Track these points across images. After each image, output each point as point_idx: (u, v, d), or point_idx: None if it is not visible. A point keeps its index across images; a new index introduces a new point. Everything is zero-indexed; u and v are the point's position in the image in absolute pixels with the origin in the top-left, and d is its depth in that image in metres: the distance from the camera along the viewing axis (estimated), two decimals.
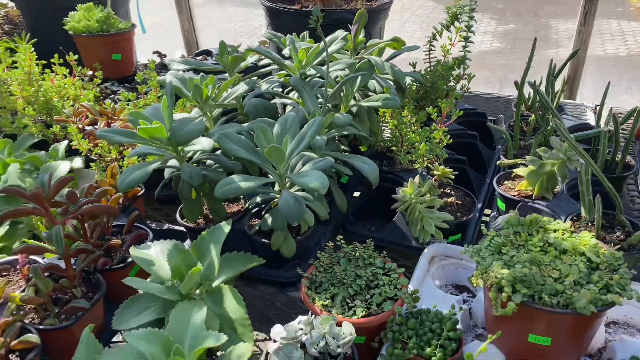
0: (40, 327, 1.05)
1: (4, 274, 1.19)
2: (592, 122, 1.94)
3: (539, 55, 1.84)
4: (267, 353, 0.98)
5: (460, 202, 1.44)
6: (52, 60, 1.89)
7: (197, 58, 2.50)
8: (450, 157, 1.61)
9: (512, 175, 1.51)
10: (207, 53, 2.60)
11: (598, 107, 1.64)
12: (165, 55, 2.49)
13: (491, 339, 0.93)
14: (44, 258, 1.24)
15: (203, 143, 1.21)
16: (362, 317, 1.07)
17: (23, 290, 1.11)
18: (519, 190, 1.45)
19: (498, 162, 1.60)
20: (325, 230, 1.44)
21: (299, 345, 0.95)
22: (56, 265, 1.13)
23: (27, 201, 1.09)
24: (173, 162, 1.31)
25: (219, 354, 1.03)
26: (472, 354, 0.91)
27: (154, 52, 2.49)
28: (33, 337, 1.00)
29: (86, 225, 1.21)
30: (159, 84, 1.73)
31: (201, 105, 1.39)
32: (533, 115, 1.75)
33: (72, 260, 1.17)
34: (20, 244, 1.35)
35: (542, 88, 1.82)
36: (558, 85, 1.87)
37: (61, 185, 1.11)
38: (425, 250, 1.34)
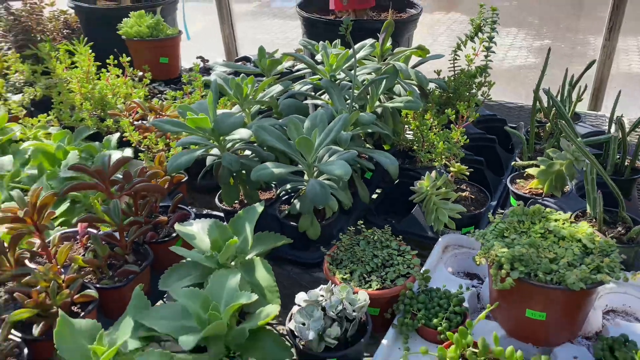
0: (97, 285, 1.22)
1: (66, 242, 1.37)
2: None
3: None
4: (292, 314, 1.12)
5: (474, 197, 1.56)
6: (107, 61, 2.09)
7: (237, 63, 2.68)
8: (468, 158, 1.72)
9: (525, 175, 1.61)
10: (246, 59, 2.79)
11: (616, 117, 1.73)
12: (207, 61, 2.69)
13: (489, 308, 1.04)
14: (99, 231, 1.41)
15: (242, 133, 1.37)
16: (377, 290, 1.20)
17: (83, 256, 1.28)
18: (530, 188, 1.56)
19: (513, 163, 1.71)
20: (348, 220, 1.58)
21: (319, 307, 1.09)
22: (111, 234, 1.30)
23: (90, 178, 1.26)
24: (215, 151, 1.47)
25: (249, 315, 1.17)
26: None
27: (197, 57, 2.68)
28: (92, 292, 1.17)
29: (138, 203, 1.38)
30: (203, 84, 1.91)
31: (241, 102, 1.55)
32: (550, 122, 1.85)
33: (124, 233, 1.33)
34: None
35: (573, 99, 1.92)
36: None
37: (119, 165, 1.28)
38: (440, 239, 1.46)
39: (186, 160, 1.34)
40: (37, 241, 1.28)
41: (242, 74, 1.60)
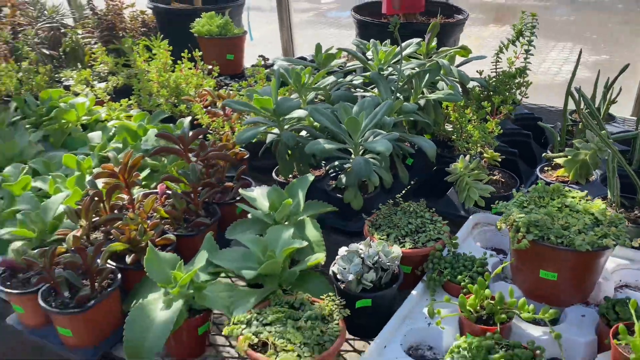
0: (175, 233, 1.46)
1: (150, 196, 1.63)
2: None
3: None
4: (334, 262, 1.32)
5: (504, 181, 1.72)
6: (182, 55, 2.37)
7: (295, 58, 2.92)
8: (503, 149, 1.88)
9: (553, 165, 1.76)
10: (303, 59, 3.02)
11: None
12: (268, 59, 2.94)
13: (505, 263, 1.21)
14: None
15: (299, 113, 1.59)
16: (409, 248, 1.38)
17: (165, 207, 1.53)
18: (557, 176, 1.70)
19: (543, 155, 1.85)
20: (387, 197, 1.76)
21: (359, 256, 1.28)
22: (187, 193, 1.55)
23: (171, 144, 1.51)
24: (275, 130, 1.70)
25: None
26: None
27: (259, 56, 2.94)
28: (171, 236, 1.41)
29: (209, 170, 1.62)
30: (265, 76, 2.15)
31: (298, 89, 1.77)
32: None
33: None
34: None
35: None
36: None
37: (196, 135, 1.53)
38: (470, 217, 1.62)
39: (252, 134, 1.57)
40: (125, 197, 1.54)
41: (301, 66, 1.82)
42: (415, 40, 1.95)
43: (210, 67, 2.49)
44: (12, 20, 3.20)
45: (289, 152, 1.70)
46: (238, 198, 1.63)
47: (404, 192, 1.80)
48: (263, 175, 2.14)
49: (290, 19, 3.65)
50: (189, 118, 2.18)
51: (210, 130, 2.04)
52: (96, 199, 1.42)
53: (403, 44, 1.93)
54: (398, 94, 1.76)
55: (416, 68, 1.86)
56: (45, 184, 1.70)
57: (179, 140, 1.48)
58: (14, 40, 2.96)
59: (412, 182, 1.79)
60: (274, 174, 1.81)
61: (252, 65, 2.87)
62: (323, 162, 1.85)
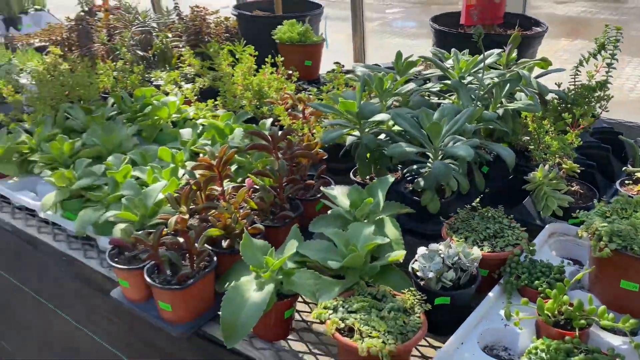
0: (262, 224, 1.57)
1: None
2: None
3: None
4: (414, 260, 1.38)
5: (582, 192, 1.72)
6: (266, 60, 2.51)
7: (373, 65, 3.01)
8: (581, 161, 1.87)
9: (634, 179, 1.74)
10: (377, 66, 3.10)
11: None
12: (343, 66, 3.04)
13: (587, 270, 1.23)
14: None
15: (381, 116, 1.67)
16: (488, 252, 1.42)
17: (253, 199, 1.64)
18: (638, 190, 1.68)
19: (623, 169, 1.84)
20: (463, 203, 1.80)
21: (439, 256, 1.34)
22: (273, 187, 1.65)
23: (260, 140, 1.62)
24: (355, 133, 1.79)
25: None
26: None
27: (335, 63, 3.05)
28: (260, 226, 1.51)
29: (293, 168, 1.72)
30: (344, 81, 2.24)
31: (380, 94, 1.85)
32: None
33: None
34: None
35: None
36: None
37: (285, 134, 1.63)
38: (547, 226, 1.64)
39: (337, 134, 1.66)
40: (218, 188, 1.66)
41: (383, 72, 1.90)
42: (496, 50, 1.98)
43: (290, 72, 2.61)
44: (107, 24, 3.47)
45: (368, 154, 1.78)
46: (319, 195, 1.72)
47: (479, 198, 1.84)
48: (336, 176, 2.23)
49: (364, 27, 3.74)
50: (271, 119, 2.30)
51: (291, 130, 2.16)
52: (194, 188, 1.55)
53: (488, 54, 1.97)
54: (479, 103, 1.80)
55: (495, 78, 1.90)
56: (143, 174, 1.86)
57: (271, 137, 1.59)
58: (109, 42, 3.21)
59: (487, 189, 1.83)
60: (351, 175, 1.89)
61: (329, 72, 2.99)
62: (399, 165, 1.91)
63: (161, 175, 1.85)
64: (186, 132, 2.21)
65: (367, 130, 1.79)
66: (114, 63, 2.88)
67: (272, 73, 2.56)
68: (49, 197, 1.76)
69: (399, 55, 2.11)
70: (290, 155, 1.65)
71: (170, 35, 3.15)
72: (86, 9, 3.99)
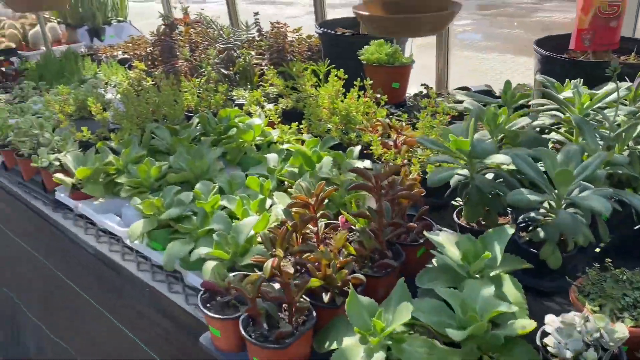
0: (361, 272, 1.43)
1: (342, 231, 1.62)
2: None
3: None
4: (543, 331, 1.20)
5: None
6: (355, 83, 2.38)
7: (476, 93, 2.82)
8: None
9: None
10: (466, 89, 2.91)
11: None
12: (431, 88, 2.87)
13: None
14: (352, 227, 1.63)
15: (499, 159, 1.49)
16: (631, 327, 1.22)
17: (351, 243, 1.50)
18: None
19: None
20: (583, 256, 1.59)
21: (576, 330, 1.15)
22: (373, 230, 1.51)
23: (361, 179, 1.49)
24: (463, 172, 1.62)
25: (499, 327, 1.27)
26: None
27: (422, 85, 2.88)
28: (361, 277, 1.37)
29: (394, 208, 1.58)
30: (443, 110, 2.07)
31: (492, 129, 1.68)
32: None
33: None
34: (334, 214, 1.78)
35: None
36: None
37: (390, 173, 1.49)
38: None
39: (446, 175, 1.50)
40: (313, 228, 1.54)
41: (495, 104, 1.72)
42: (624, 84, 1.76)
43: (378, 95, 2.47)
44: (189, 39, 3.47)
45: (479, 196, 1.60)
46: (421, 241, 1.57)
47: (600, 249, 1.63)
48: (431, 213, 2.07)
49: (449, 48, 3.55)
50: (359, 147, 2.17)
51: (382, 161, 2.02)
52: (290, 229, 1.43)
53: (608, 88, 1.75)
54: (607, 144, 1.59)
55: (623, 116, 1.68)
56: (231, 204, 1.77)
57: (375, 178, 1.45)
58: (191, 57, 3.20)
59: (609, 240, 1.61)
60: (454, 217, 1.72)
61: (416, 94, 2.82)
62: (509, 209, 1.72)
63: (250, 207, 1.75)
64: (272, 158, 2.12)
65: (478, 169, 1.62)
66: (198, 79, 2.85)
67: (359, 97, 2.43)
68: (136, 226, 1.70)
69: (507, 85, 1.93)
70: (393, 196, 1.51)
71: (253, 53, 3.09)
72: (168, 22, 4.03)
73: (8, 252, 2.78)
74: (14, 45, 4.47)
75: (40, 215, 2.19)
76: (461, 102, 1.96)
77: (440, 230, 1.68)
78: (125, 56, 3.90)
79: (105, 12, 5.19)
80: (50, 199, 2.17)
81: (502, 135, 1.84)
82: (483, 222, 1.67)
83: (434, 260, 1.48)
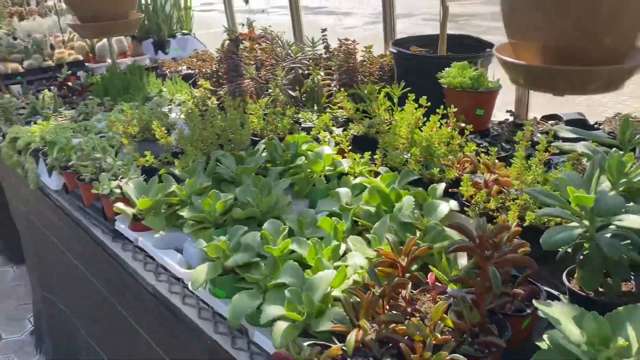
0: (459, 351, 1.20)
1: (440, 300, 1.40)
2: None
3: None
4: None
5: None
6: (437, 110, 2.16)
7: (549, 122, 2.54)
8: None
9: None
10: (556, 117, 2.62)
11: None
12: (517, 116, 2.60)
13: None
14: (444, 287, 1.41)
15: (634, 221, 1.23)
16: None
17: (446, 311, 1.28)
18: None
19: None
20: None
21: None
22: (473, 298, 1.28)
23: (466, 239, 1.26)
24: (581, 230, 1.36)
25: None
26: None
27: (507, 111, 2.62)
28: (462, 358, 1.15)
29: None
30: (544, 148, 1.80)
31: (615, 180, 1.41)
32: None
33: None
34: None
35: None
36: None
37: (498, 232, 1.26)
38: None
39: (564, 237, 1.26)
40: (401, 291, 1.33)
41: (616, 152, 1.46)
42: None
43: (463, 124, 2.23)
44: (255, 56, 3.34)
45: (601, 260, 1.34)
46: (528, 311, 1.32)
47: None
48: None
49: None
50: (443, 185, 1.94)
51: (472, 202, 1.78)
52: (376, 294, 1.22)
53: None
54: None
55: None
56: (302, 249, 1.58)
57: (478, 238, 1.22)
58: (257, 76, 3.06)
59: None
60: (564, 278, 1.46)
61: (501, 122, 2.56)
62: (632, 273, 1.45)
63: (323, 254, 1.56)
64: (344, 194, 1.92)
65: (600, 226, 1.36)
66: (265, 99, 2.71)
67: (441, 125, 2.20)
68: (200, 271, 1.54)
69: (626, 122, 1.65)
70: (498, 259, 1.27)
71: (322, 73, 2.92)
72: (232, 37, 3.93)
73: (65, 271, 2.71)
74: (81, 58, 4.51)
75: (99, 244, 2.09)
76: (564, 138, 1.70)
77: (551, 299, 1.42)
78: (190, 72, 3.82)
79: (171, 25, 5.18)
80: (109, 228, 2.06)
81: (624, 186, 1.57)
82: (601, 289, 1.41)
83: (545, 337, 1.23)
